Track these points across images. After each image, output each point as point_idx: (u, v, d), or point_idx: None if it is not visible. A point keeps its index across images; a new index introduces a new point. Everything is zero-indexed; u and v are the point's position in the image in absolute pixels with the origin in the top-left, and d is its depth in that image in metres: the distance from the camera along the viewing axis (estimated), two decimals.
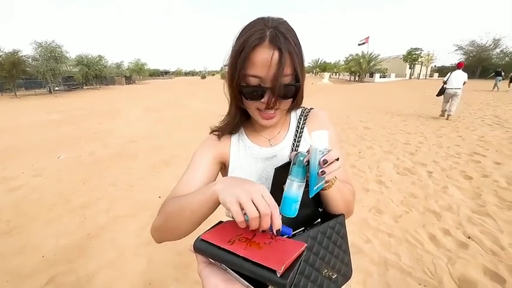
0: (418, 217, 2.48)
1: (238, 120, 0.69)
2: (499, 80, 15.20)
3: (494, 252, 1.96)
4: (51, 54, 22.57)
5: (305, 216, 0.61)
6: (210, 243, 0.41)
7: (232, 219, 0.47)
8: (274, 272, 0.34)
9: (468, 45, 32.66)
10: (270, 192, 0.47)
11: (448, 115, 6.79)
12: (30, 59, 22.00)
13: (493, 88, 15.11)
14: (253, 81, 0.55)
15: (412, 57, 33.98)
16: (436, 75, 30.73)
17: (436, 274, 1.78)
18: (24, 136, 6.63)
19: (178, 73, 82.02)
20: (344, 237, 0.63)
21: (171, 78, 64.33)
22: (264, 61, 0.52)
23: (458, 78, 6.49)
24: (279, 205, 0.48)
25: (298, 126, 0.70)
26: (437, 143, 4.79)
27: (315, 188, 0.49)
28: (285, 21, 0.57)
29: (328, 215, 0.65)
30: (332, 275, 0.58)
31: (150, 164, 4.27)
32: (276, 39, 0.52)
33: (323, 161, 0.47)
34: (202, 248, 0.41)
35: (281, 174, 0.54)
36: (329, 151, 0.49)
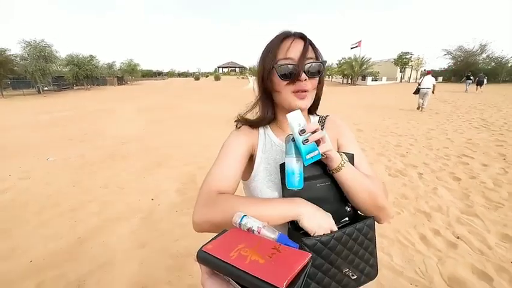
0: (409, 218, 2.53)
1: (269, 116, 0.75)
2: (469, 84, 17.98)
3: (482, 251, 2.01)
4: (41, 54, 22.06)
5: (330, 212, 0.62)
6: (212, 255, 0.41)
7: (236, 227, 0.48)
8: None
9: (456, 50, 33.56)
10: (282, 189, 0.63)
11: (422, 107, 9.19)
12: (18, 58, 21.47)
13: (465, 90, 17.86)
14: (285, 62, 0.65)
15: (402, 61, 34.73)
16: (433, 80, 31.43)
17: (426, 274, 1.82)
18: (11, 137, 6.44)
19: (171, 74, 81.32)
20: (372, 239, 0.64)
21: (164, 79, 63.67)
22: (292, 46, 0.65)
23: (428, 81, 9.07)
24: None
25: None
26: (427, 145, 4.91)
27: (308, 157, 0.55)
28: None
29: (358, 217, 0.66)
30: (352, 275, 0.60)
31: (143, 166, 4.22)
32: (299, 33, 0.67)
33: (301, 130, 0.55)
34: (205, 259, 0.41)
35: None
36: (306, 125, 0.56)
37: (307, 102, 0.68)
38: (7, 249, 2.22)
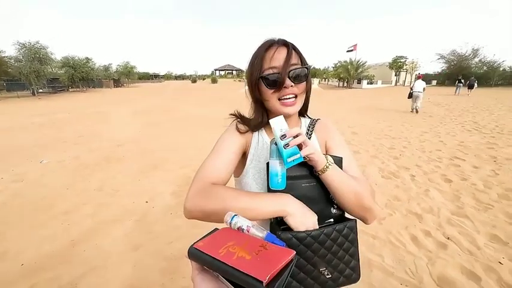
0: (401, 219, 2.56)
1: (262, 120, 0.77)
2: (460, 87, 18.96)
3: (471, 252, 2.05)
4: (36, 56, 21.87)
5: (315, 212, 0.64)
6: (202, 252, 0.43)
7: (227, 226, 0.51)
8: (261, 282, 0.36)
9: (449, 55, 34.17)
10: (267, 184, 0.63)
11: (416, 109, 9.80)
12: (12, 60, 21.25)
13: (455, 93, 18.76)
14: (270, 71, 0.68)
15: (397, 65, 35.15)
16: (424, 83, 31.91)
17: (416, 274, 1.85)
18: (4, 140, 6.37)
19: (168, 77, 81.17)
20: (353, 242, 0.65)
21: (161, 81, 63.52)
22: (275, 54, 0.67)
23: (419, 85, 9.83)
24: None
25: (307, 132, 0.81)
26: (420, 148, 4.98)
27: (289, 160, 0.57)
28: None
29: (343, 219, 0.68)
30: (328, 274, 0.61)
31: (138, 168, 4.21)
32: (282, 40, 0.70)
33: (282, 136, 0.58)
34: (195, 255, 0.44)
35: None
36: (288, 130, 0.59)
37: (296, 107, 0.72)
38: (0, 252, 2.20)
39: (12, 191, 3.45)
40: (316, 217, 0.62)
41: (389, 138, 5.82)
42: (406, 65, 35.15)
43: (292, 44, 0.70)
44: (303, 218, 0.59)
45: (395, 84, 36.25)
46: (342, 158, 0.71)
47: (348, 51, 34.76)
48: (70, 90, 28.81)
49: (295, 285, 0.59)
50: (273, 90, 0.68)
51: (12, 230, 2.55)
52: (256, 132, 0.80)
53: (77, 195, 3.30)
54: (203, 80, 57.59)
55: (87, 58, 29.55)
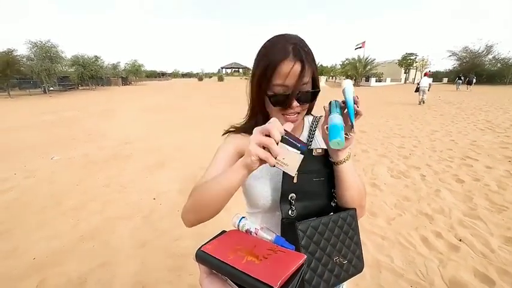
0: (411, 220, 2.51)
1: (261, 123, 0.73)
2: (460, 83, 20.83)
3: (484, 254, 1.99)
4: (46, 54, 22.33)
5: (318, 208, 0.66)
6: (210, 255, 0.42)
7: (235, 228, 0.50)
8: (271, 287, 0.35)
9: (461, 51, 33.23)
10: (282, 180, 0.63)
11: (423, 101, 11.54)
12: (24, 59, 21.76)
13: (456, 89, 20.31)
14: (280, 89, 0.63)
15: (407, 62, 34.50)
16: (430, 80, 31.28)
17: (427, 276, 1.80)
18: (17, 137, 6.54)
19: (175, 75, 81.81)
20: (355, 229, 0.66)
21: (168, 79, 64.07)
22: (289, 72, 0.61)
23: (425, 81, 11.62)
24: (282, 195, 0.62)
25: (310, 130, 0.80)
26: (430, 147, 4.86)
27: (353, 119, 0.57)
28: (300, 37, 0.67)
29: (340, 210, 0.69)
30: (343, 261, 0.62)
31: (145, 166, 4.25)
32: (297, 53, 0.61)
33: (356, 96, 0.58)
34: (203, 258, 0.43)
35: None
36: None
37: (297, 123, 0.70)
38: (11, 248, 2.26)
39: (24, 187, 3.53)
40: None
41: (399, 137, 5.71)
42: (416, 62, 34.44)
43: (307, 55, 0.63)
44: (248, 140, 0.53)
45: (405, 82, 35.59)
46: None
47: (356, 48, 34.29)
48: (80, 88, 29.37)
49: (316, 283, 0.58)
50: (278, 108, 0.66)
51: (23, 225, 2.61)
52: None
53: (85, 191, 3.35)
54: (210, 78, 57.82)
55: (96, 56, 30.00)
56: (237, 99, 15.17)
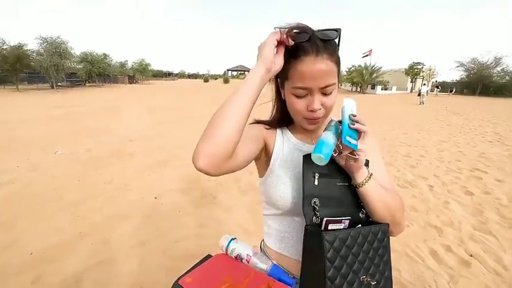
0: (419, 231, 2.42)
1: (285, 117, 0.71)
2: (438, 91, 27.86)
3: (497, 272, 1.90)
4: (56, 50, 22.63)
5: (345, 215, 0.59)
6: None
7: (223, 252, 0.42)
8: None
9: (469, 63, 32.94)
10: (302, 179, 0.59)
11: (422, 103, 16.81)
12: (34, 54, 22.06)
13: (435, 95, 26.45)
14: (301, 94, 0.60)
15: (413, 72, 34.26)
16: (436, 90, 30.85)
17: None
18: (23, 130, 6.57)
19: (181, 75, 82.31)
20: (387, 247, 0.59)
21: (174, 80, 64.44)
22: (314, 72, 0.56)
23: (424, 89, 17.61)
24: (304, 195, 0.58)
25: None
26: (438, 157, 4.76)
27: (347, 138, 0.54)
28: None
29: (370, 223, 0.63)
30: (371, 281, 0.55)
31: (148, 164, 4.21)
32: (327, 50, 0.57)
33: (352, 115, 0.57)
34: None
35: (310, 160, 0.57)
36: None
37: (319, 123, 0.66)
38: (9, 241, 2.22)
39: (26, 179, 3.51)
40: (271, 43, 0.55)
41: (405, 146, 5.61)
42: (423, 71, 34.20)
43: (331, 52, 0.57)
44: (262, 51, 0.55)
45: (411, 91, 35.32)
46: (368, 161, 0.63)
47: (363, 56, 34.21)
48: (87, 84, 29.66)
49: None
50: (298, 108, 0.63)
51: (23, 219, 2.58)
52: (280, 133, 0.74)
53: (87, 187, 3.32)
54: (215, 79, 58.08)
55: (104, 54, 30.33)
56: None
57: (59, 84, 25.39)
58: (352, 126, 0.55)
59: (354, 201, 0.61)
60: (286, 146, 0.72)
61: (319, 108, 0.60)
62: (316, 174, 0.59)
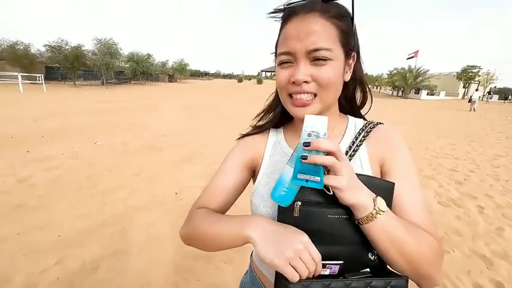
0: (462, 260, 2.07)
1: (278, 113, 0.62)
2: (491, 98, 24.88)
3: None
4: (108, 50, 25.04)
5: (343, 256, 0.44)
6: None
7: None
8: None
9: None
10: (278, 209, 0.47)
11: (474, 109, 15.80)
12: (90, 53, 24.66)
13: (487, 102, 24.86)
14: (283, 59, 0.49)
15: (467, 76, 30.72)
16: (495, 97, 27.24)
17: None
18: (72, 121, 7.30)
19: (217, 75, 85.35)
20: None
21: (210, 79, 67.11)
22: (292, 33, 0.46)
23: (476, 94, 16.40)
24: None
25: (355, 139, 0.55)
26: (492, 174, 4.11)
27: (300, 176, 0.41)
28: None
29: (385, 272, 0.46)
30: None
31: (174, 159, 4.34)
32: (316, 9, 0.45)
33: (305, 143, 0.40)
34: None
35: None
36: (320, 139, 0.40)
37: (310, 109, 0.49)
38: (43, 222, 2.42)
39: (67, 166, 3.85)
40: (305, 236, 0.41)
41: (451, 158, 4.97)
42: (479, 76, 30.50)
43: (323, 6, 0.45)
44: (277, 247, 0.40)
45: (463, 97, 31.72)
46: (393, 184, 0.46)
47: (408, 58, 31.68)
48: (132, 82, 32.26)
49: None
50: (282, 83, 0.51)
51: (59, 202, 2.80)
52: (274, 141, 0.63)
53: (117, 177, 3.52)
54: (249, 80, 58.88)
55: (148, 54, 32.73)
56: None
57: (109, 81, 28.01)
58: (303, 160, 0.40)
59: (357, 239, 0.44)
60: (276, 156, 0.61)
61: (304, 80, 0.45)
62: (298, 202, 0.44)
